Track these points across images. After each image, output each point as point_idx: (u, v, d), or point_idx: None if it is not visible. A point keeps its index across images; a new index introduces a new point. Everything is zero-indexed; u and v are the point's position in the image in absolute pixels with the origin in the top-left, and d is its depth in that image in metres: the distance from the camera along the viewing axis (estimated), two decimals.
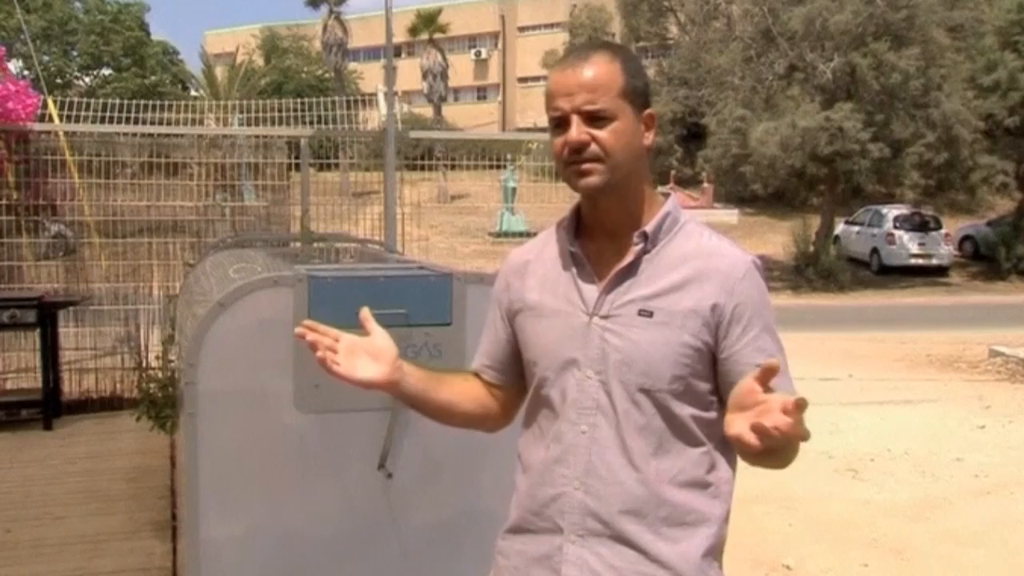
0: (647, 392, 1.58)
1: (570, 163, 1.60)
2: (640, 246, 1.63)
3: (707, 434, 1.62)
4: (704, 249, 1.63)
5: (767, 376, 1.37)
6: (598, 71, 1.58)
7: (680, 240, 1.65)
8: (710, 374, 1.62)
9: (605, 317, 1.62)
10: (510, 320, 1.77)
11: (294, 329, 1.66)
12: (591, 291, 1.64)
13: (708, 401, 1.63)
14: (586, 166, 1.59)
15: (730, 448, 1.60)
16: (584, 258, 1.67)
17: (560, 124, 1.60)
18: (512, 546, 1.73)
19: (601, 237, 1.67)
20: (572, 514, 1.63)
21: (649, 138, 1.65)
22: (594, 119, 1.58)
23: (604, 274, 1.64)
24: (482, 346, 1.86)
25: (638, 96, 1.62)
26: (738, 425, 1.37)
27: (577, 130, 1.58)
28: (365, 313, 1.70)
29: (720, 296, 1.59)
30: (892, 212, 24.36)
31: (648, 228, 1.63)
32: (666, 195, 1.71)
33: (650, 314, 1.59)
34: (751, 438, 1.34)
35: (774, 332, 1.63)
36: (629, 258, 1.63)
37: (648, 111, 1.64)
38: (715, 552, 1.65)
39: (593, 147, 1.58)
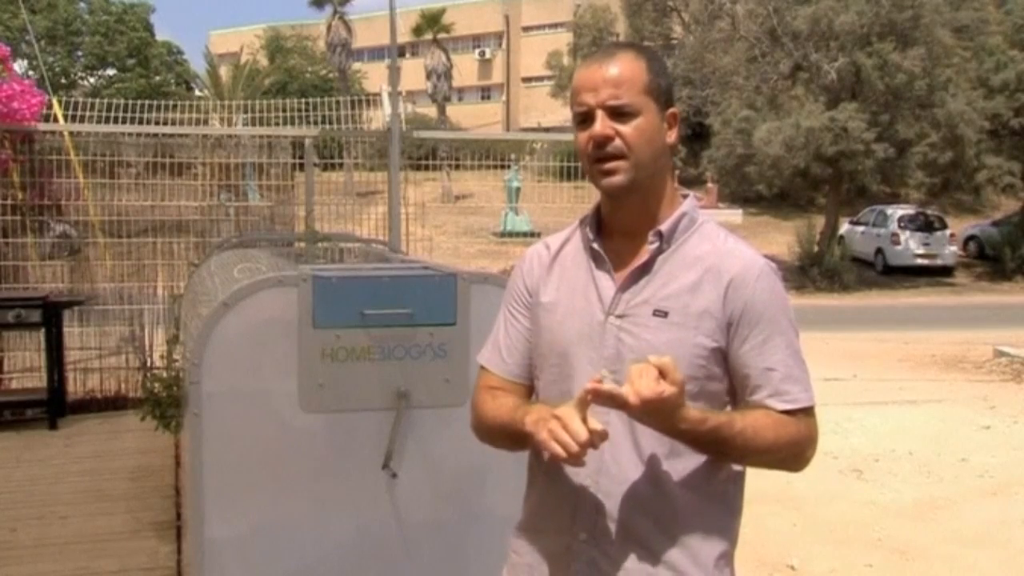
0: None
1: (595, 160, 1.61)
2: (655, 245, 1.63)
3: None
4: (719, 250, 1.63)
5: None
6: (623, 68, 1.60)
7: (696, 240, 1.64)
8: (724, 375, 1.61)
9: (621, 316, 1.61)
10: (528, 312, 1.75)
11: (295, 330, 1.62)
12: (608, 289, 1.64)
13: (723, 402, 1.62)
14: (610, 164, 1.60)
15: None
16: (604, 256, 1.66)
17: (585, 119, 1.62)
18: (525, 543, 1.72)
19: (619, 236, 1.67)
20: (583, 512, 1.62)
21: (672, 136, 1.66)
22: (618, 114, 1.59)
23: (622, 273, 1.64)
24: (499, 345, 1.78)
25: (662, 94, 1.63)
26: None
27: (602, 124, 1.59)
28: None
29: (732, 297, 1.58)
30: (897, 212, 24.31)
31: (663, 227, 1.63)
32: (685, 195, 1.71)
33: (665, 314, 1.59)
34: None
35: (788, 335, 1.61)
36: (644, 257, 1.62)
37: (671, 110, 1.65)
38: (728, 556, 1.64)
39: (617, 142, 1.59)
